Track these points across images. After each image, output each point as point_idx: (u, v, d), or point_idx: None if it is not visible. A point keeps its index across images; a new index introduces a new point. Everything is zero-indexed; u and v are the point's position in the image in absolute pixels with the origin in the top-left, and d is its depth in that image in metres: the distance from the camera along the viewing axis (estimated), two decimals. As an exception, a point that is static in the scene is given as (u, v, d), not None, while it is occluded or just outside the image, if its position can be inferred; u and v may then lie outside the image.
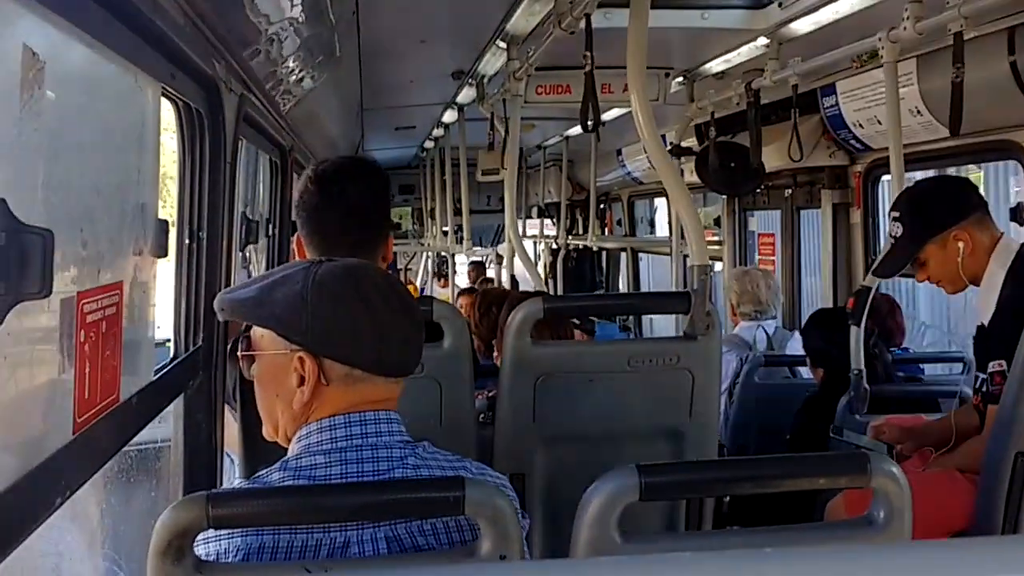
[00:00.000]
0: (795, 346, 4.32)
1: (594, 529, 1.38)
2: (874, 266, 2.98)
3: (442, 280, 10.12)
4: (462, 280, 9.99)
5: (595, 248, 8.13)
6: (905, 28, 2.77)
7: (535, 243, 9.96)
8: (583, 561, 1.23)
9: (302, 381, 1.37)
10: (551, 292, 7.86)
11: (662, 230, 7.74)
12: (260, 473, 1.41)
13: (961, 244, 2.59)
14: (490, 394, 2.91)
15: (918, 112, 3.52)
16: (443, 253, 8.68)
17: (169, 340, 2.02)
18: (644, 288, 8.14)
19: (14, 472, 1.13)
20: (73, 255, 1.31)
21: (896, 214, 2.72)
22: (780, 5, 3.20)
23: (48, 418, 1.25)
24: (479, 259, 9.91)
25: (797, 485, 1.45)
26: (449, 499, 1.31)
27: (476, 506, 1.31)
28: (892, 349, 3.71)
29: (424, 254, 10.05)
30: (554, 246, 8.37)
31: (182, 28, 1.68)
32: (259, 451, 2.18)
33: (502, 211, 4.77)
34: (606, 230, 8.31)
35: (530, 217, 9.49)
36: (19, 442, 1.17)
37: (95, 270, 1.39)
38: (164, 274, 1.98)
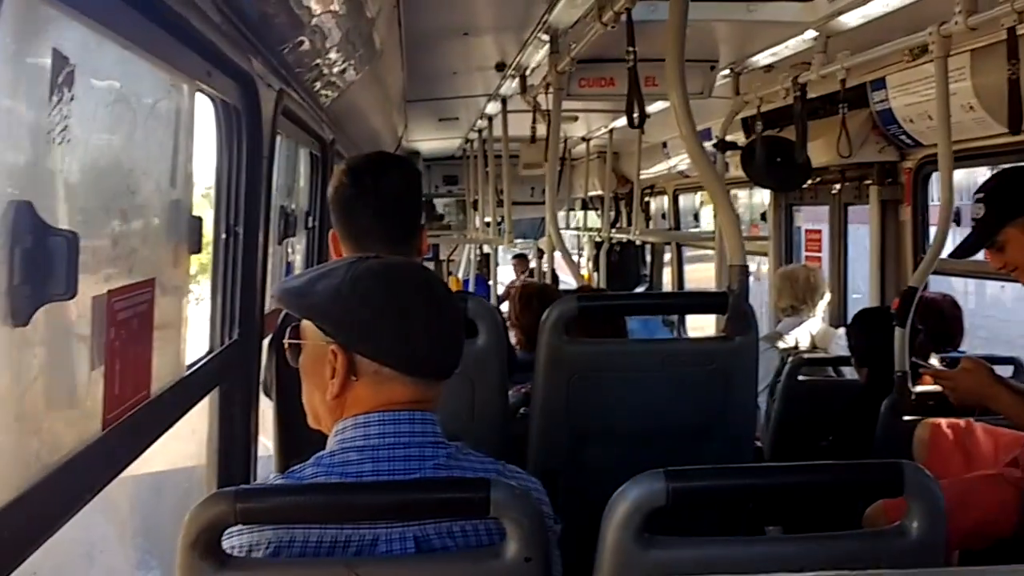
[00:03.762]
0: (841, 344, 4.25)
1: (619, 534, 1.37)
2: (954, 248, 2.93)
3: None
4: (505, 275, 9.96)
5: (639, 242, 8.07)
6: (956, 23, 2.70)
7: (579, 236, 9.90)
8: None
9: (334, 373, 1.38)
10: (595, 286, 7.83)
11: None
12: (294, 468, 1.43)
13: None
14: (526, 389, 2.90)
15: (971, 108, 3.43)
16: (485, 248, 8.67)
17: None
18: (690, 282, 8.07)
19: (42, 468, 1.15)
20: (104, 253, 1.33)
21: (980, 195, 2.69)
22: (828, -2, 3.13)
23: (76, 414, 1.27)
24: (523, 252, 9.86)
25: (830, 493, 1.43)
26: (474, 500, 1.31)
27: (502, 508, 1.31)
28: (948, 350, 3.64)
29: (467, 246, 10.05)
30: (597, 239, 8.32)
31: (218, 26, 1.69)
32: (294, 444, 2.20)
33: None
34: (650, 223, 8.24)
35: (573, 210, 9.44)
36: (47, 438, 1.19)
37: (127, 268, 1.41)
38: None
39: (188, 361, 1.85)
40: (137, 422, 1.44)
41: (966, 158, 3.71)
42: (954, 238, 3.34)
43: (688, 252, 8.09)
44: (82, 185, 1.25)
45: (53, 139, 1.11)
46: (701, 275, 8.05)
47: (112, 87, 1.34)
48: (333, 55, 2.68)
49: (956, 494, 2.59)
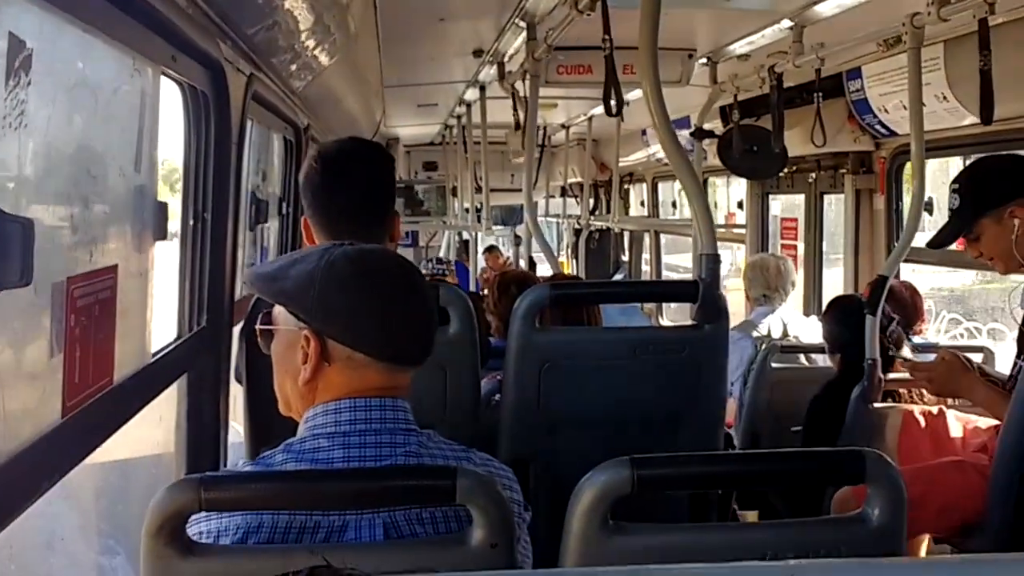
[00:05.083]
0: (812, 332, 4.28)
1: (585, 521, 1.38)
2: (930, 239, 2.95)
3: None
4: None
5: (617, 230, 8.09)
6: (929, 13, 2.71)
7: (558, 223, 9.91)
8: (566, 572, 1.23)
9: (307, 359, 1.38)
10: (573, 273, 7.84)
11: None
12: (264, 455, 1.43)
13: (1017, 221, 2.54)
14: (500, 377, 2.89)
15: (944, 98, 3.46)
16: (464, 234, 8.66)
17: None
18: (670, 267, 8.11)
19: (-1, 455, 1.14)
20: (64, 240, 1.31)
21: (955, 186, 2.69)
22: (803, -13, 3.14)
23: (34, 402, 1.26)
24: (494, 244, 9.82)
25: (792, 481, 1.44)
26: (440, 487, 1.31)
27: (467, 495, 1.31)
28: (911, 337, 3.68)
29: (447, 232, 10.04)
30: (576, 226, 8.33)
31: (183, 9, 1.66)
32: (265, 430, 2.19)
33: None
34: (629, 211, 8.25)
35: (553, 196, 9.44)
36: (3, 426, 1.18)
37: (87, 254, 1.39)
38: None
39: (155, 348, 1.84)
40: (99, 409, 1.43)
41: (939, 148, 3.74)
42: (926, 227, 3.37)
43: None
44: (40, 171, 1.23)
45: (9, 124, 1.10)
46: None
47: (72, 71, 1.33)
48: (306, 39, 2.66)
49: (923, 480, 2.62)
